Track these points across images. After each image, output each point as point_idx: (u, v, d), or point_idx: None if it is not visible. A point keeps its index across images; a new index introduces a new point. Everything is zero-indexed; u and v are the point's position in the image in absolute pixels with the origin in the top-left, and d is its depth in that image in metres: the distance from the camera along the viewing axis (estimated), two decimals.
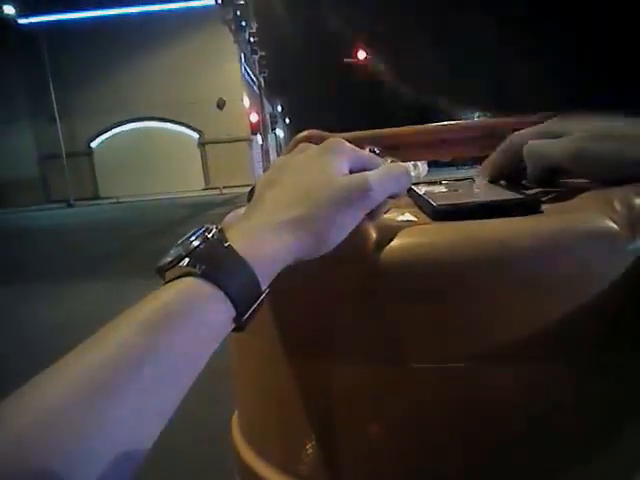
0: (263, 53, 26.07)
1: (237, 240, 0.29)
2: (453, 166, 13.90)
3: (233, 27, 18.74)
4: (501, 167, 0.48)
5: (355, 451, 0.37)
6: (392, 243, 0.34)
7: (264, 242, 0.29)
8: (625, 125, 0.38)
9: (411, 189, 0.46)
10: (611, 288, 0.32)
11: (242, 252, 0.28)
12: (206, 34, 17.79)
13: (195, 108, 18.55)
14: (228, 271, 0.27)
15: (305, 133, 0.42)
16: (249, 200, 0.35)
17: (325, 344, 0.36)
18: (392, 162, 0.40)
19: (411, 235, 0.35)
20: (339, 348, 0.36)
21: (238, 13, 19.17)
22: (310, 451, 0.38)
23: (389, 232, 0.35)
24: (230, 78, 18.98)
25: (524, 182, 0.47)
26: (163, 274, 0.28)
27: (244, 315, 0.28)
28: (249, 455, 0.44)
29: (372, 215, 0.35)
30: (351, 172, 0.34)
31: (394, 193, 0.36)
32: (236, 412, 0.50)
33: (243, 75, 19.77)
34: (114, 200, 16.34)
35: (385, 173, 0.35)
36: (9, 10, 17.11)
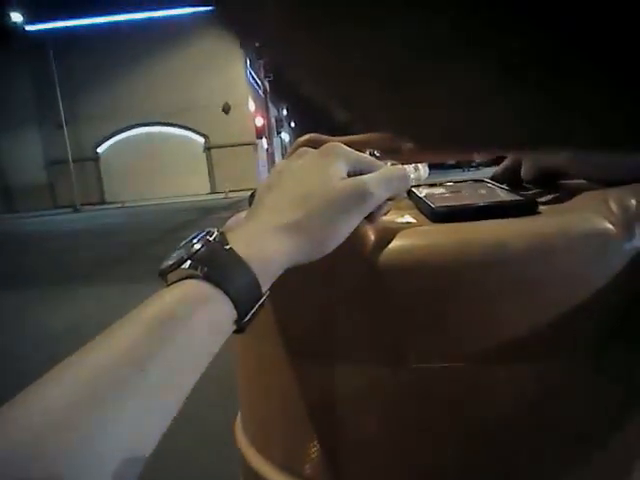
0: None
1: (238, 243, 0.29)
2: (459, 168, 13.84)
3: None
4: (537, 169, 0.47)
5: (357, 451, 0.37)
6: (390, 245, 0.34)
7: (264, 245, 0.30)
8: None
9: (411, 191, 0.47)
10: (608, 288, 0.32)
11: (243, 255, 0.29)
12: (211, 38, 17.79)
13: (201, 113, 18.59)
14: (229, 273, 0.28)
15: (306, 137, 0.42)
16: (250, 204, 0.36)
17: (326, 345, 0.37)
18: (392, 165, 0.40)
19: (409, 237, 0.35)
20: (340, 349, 0.36)
21: None
22: (312, 451, 0.39)
23: (388, 234, 0.35)
24: (236, 82, 18.99)
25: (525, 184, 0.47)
26: (165, 276, 0.28)
27: (245, 317, 0.29)
28: (252, 455, 0.44)
29: (371, 217, 0.35)
30: (350, 175, 0.35)
31: (393, 196, 0.37)
32: (239, 413, 0.51)
33: (248, 79, 19.79)
34: (119, 205, 16.41)
35: (383, 176, 0.35)
36: (17, 17, 17.27)
